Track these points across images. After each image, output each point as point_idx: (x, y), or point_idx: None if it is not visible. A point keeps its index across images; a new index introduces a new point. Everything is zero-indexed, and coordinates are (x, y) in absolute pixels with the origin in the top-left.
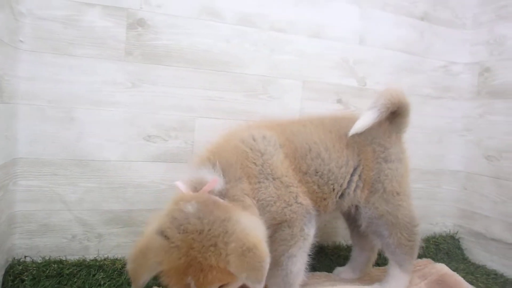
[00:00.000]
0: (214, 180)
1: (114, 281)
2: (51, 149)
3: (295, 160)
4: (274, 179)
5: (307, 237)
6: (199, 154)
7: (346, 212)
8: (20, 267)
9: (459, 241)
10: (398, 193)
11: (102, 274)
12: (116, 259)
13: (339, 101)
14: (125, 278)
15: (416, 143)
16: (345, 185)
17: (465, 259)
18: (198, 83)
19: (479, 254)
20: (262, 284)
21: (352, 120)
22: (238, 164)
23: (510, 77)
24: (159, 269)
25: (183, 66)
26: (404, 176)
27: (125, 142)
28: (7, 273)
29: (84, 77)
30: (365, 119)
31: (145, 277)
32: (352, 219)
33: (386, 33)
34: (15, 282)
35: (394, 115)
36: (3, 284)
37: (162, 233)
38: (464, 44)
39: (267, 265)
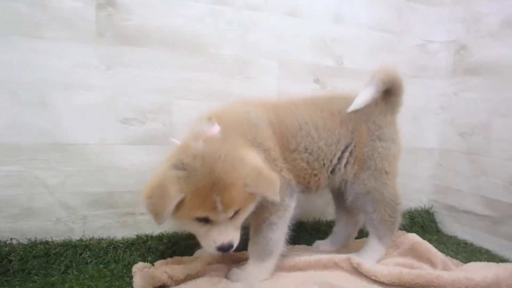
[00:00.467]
0: (215, 127)
1: (100, 259)
2: (28, 134)
3: (283, 138)
4: (264, 150)
5: (288, 207)
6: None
7: (336, 188)
8: (7, 249)
9: (433, 215)
10: (387, 172)
11: (88, 253)
12: (102, 238)
13: (316, 80)
14: (111, 256)
15: None
16: (335, 161)
17: (438, 231)
18: (173, 64)
19: (451, 226)
20: (278, 197)
21: (347, 99)
22: (237, 130)
23: (486, 54)
24: (180, 198)
25: (157, 48)
26: (395, 157)
27: (103, 126)
28: None
29: (56, 61)
30: (364, 96)
31: (168, 208)
32: (339, 194)
33: (363, 12)
34: (3, 263)
35: (389, 95)
36: None
37: (177, 166)
38: (441, 22)
39: (278, 182)
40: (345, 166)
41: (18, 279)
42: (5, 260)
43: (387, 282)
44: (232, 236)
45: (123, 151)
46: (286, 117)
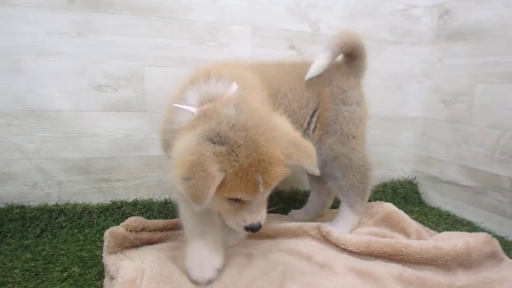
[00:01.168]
0: (234, 85)
1: (75, 223)
2: (2, 100)
3: (268, 99)
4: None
5: None
6: (185, 80)
7: None
8: None
9: (416, 186)
10: (354, 137)
11: (63, 217)
12: (77, 204)
13: (291, 47)
14: (85, 221)
15: (373, 89)
16: (305, 126)
17: (421, 203)
18: (144, 31)
19: (434, 197)
20: (318, 169)
21: (307, 64)
22: (249, 88)
23: (470, 18)
24: (223, 176)
25: (128, 14)
26: (362, 121)
27: (76, 93)
28: None
29: (28, 28)
30: (319, 61)
31: (212, 190)
32: None
33: None
34: None
35: (351, 58)
36: None
37: (213, 140)
38: None
39: (315, 154)
40: (313, 131)
41: None
42: None
43: (355, 251)
44: (263, 215)
45: (98, 117)
46: (266, 79)
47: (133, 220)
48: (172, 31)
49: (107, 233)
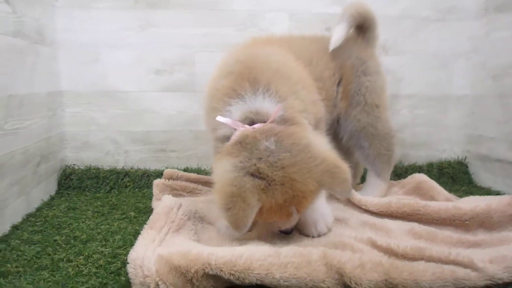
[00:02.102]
0: (278, 108)
1: (136, 184)
2: (84, 84)
3: (308, 68)
4: (303, 88)
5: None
6: (232, 79)
7: (329, 127)
8: (70, 170)
9: (467, 166)
10: (377, 106)
11: (127, 178)
12: (139, 169)
13: (327, 29)
14: (144, 182)
15: (417, 69)
16: (335, 94)
17: (471, 183)
18: (194, 22)
19: (485, 177)
20: (352, 191)
21: (329, 38)
22: (284, 75)
23: None
24: (259, 206)
25: (180, 9)
26: (382, 89)
27: (139, 77)
28: (62, 174)
29: (104, 25)
30: (338, 32)
31: (250, 219)
32: (333, 135)
33: None
34: (66, 180)
35: (363, 30)
36: (59, 181)
37: (253, 174)
38: None
39: (350, 176)
40: (340, 101)
41: (75, 192)
42: (68, 178)
43: (375, 211)
44: (295, 219)
45: (156, 97)
46: (299, 52)
47: (170, 171)
48: (217, 20)
49: (154, 184)
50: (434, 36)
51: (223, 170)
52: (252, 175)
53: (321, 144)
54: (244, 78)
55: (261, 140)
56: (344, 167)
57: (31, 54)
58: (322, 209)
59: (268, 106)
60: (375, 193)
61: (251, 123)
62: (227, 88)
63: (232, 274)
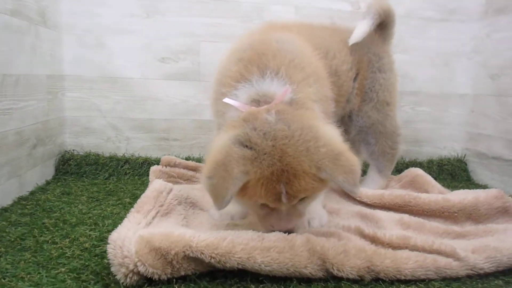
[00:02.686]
0: (286, 90)
1: (136, 171)
2: (87, 68)
3: (324, 61)
4: (318, 80)
5: None
6: (241, 65)
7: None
8: (68, 156)
9: (466, 164)
10: (388, 103)
11: (127, 166)
12: (140, 156)
13: (333, 24)
14: (144, 170)
15: (420, 66)
16: (350, 89)
17: (469, 180)
18: (200, 12)
19: (482, 174)
20: (359, 188)
21: (349, 31)
22: (297, 65)
23: None
24: (245, 180)
25: None
26: (394, 87)
27: (144, 64)
28: (60, 159)
29: (109, 10)
30: (362, 28)
31: (231, 191)
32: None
33: None
34: (65, 166)
35: (382, 27)
36: (56, 166)
37: (243, 143)
38: None
39: (359, 169)
40: (355, 96)
41: (72, 178)
42: (66, 164)
43: (369, 202)
44: (294, 223)
45: (160, 85)
46: (316, 42)
47: (167, 157)
48: (223, 11)
49: (150, 171)
50: (437, 36)
51: (217, 141)
52: (242, 144)
53: (330, 131)
54: (254, 64)
55: (262, 114)
56: (353, 157)
57: (31, 35)
58: (319, 209)
59: (275, 88)
60: (374, 188)
61: (258, 105)
62: (236, 73)
63: (213, 257)
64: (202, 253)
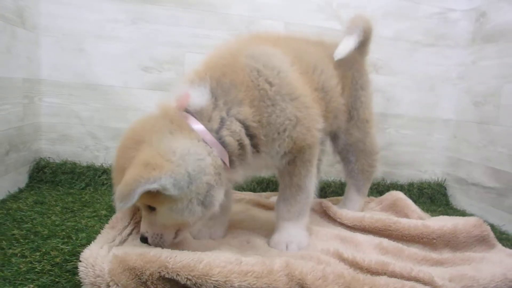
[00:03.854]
0: (185, 96)
1: None
2: (66, 74)
3: (307, 76)
4: (291, 100)
5: (317, 154)
6: (196, 68)
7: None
8: (44, 163)
9: (445, 188)
10: (367, 121)
11: (105, 176)
12: None
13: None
14: None
15: (406, 90)
16: (339, 105)
17: (447, 204)
18: (187, 22)
19: (461, 200)
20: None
21: (334, 45)
22: (244, 85)
23: (502, 19)
24: None
25: (173, 6)
26: (371, 104)
27: (126, 72)
28: (34, 166)
29: (91, 15)
30: (349, 43)
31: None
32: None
33: None
34: (39, 173)
35: (362, 43)
36: (30, 173)
37: None
38: None
39: (126, 188)
40: (342, 112)
41: (47, 187)
42: (41, 171)
43: (350, 225)
44: (145, 231)
45: (142, 94)
46: (301, 54)
47: None
48: (211, 22)
49: None
50: (424, 60)
51: None
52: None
53: (163, 147)
54: (209, 71)
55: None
56: (133, 174)
57: (6, 35)
58: (298, 233)
59: (190, 93)
60: (354, 208)
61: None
62: (191, 73)
63: (189, 279)
64: (178, 275)
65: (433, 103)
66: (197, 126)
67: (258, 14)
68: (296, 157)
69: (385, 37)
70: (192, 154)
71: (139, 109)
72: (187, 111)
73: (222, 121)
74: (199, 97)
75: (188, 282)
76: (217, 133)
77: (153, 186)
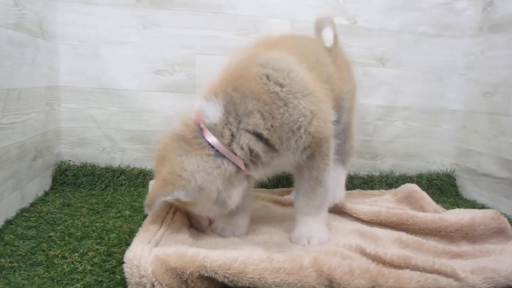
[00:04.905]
0: (200, 113)
1: (132, 182)
2: (83, 79)
3: (315, 71)
4: (304, 96)
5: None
6: (213, 81)
7: None
8: (65, 166)
9: (454, 179)
10: (350, 110)
11: (123, 177)
12: (135, 167)
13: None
14: (140, 181)
15: (412, 81)
16: (341, 94)
17: (457, 195)
18: (196, 24)
19: (471, 190)
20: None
21: (316, 39)
22: (255, 94)
23: (510, 8)
24: None
25: (183, 10)
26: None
27: (139, 75)
28: (56, 170)
29: (105, 21)
30: (330, 32)
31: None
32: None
33: None
34: (61, 176)
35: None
36: (53, 177)
37: None
38: None
39: (154, 199)
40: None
41: (70, 189)
42: (63, 175)
43: (366, 219)
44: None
45: (155, 97)
46: (304, 51)
47: None
48: (220, 24)
49: (149, 185)
50: (431, 51)
51: None
52: None
53: (180, 165)
54: (223, 85)
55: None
56: (151, 192)
57: (31, 47)
58: (319, 228)
59: (204, 109)
60: (341, 180)
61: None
62: (208, 85)
63: (226, 277)
64: (216, 273)
65: (441, 94)
66: (211, 139)
67: (265, 12)
68: (315, 151)
69: (390, 30)
70: (200, 171)
71: (153, 110)
72: (204, 125)
73: (233, 136)
74: (213, 114)
75: (225, 280)
76: (229, 145)
77: (169, 198)
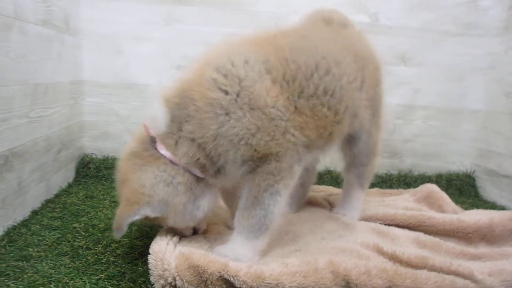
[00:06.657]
0: (151, 121)
1: None
2: (106, 74)
3: (295, 84)
4: (252, 109)
5: (294, 176)
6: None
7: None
8: (88, 159)
9: (474, 180)
10: (377, 119)
11: None
12: None
13: None
14: None
15: (433, 80)
16: (356, 102)
17: (477, 196)
18: (217, 21)
19: (491, 192)
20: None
21: (354, 34)
22: (196, 99)
23: None
24: None
25: (204, 6)
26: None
27: (161, 71)
28: (79, 163)
29: (128, 18)
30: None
31: None
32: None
33: None
34: (84, 169)
35: None
36: (77, 169)
37: None
38: None
39: (120, 222)
40: (363, 109)
41: (92, 181)
42: (86, 167)
43: (383, 223)
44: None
45: None
46: (296, 56)
47: None
48: (240, 20)
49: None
50: (453, 50)
51: None
52: None
53: (135, 179)
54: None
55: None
56: (118, 215)
57: (57, 43)
58: (245, 256)
59: (156, 116)
60: (358, 205)
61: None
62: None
63: (245, 282)
64: (235, 277)
65: (462, 93)
66: (163, 151)
67: (285, 9)
68: (258, 166)
69: (412, 28)
70: (159, 183)
71: None
72: (154, 134)
73: (176, 144)
74: (161, 121)
75: (244, 286)
76: (176, 154)
77: (136, 218)
